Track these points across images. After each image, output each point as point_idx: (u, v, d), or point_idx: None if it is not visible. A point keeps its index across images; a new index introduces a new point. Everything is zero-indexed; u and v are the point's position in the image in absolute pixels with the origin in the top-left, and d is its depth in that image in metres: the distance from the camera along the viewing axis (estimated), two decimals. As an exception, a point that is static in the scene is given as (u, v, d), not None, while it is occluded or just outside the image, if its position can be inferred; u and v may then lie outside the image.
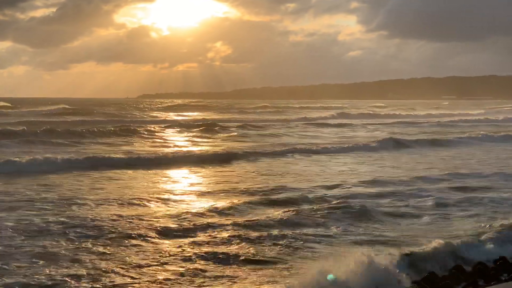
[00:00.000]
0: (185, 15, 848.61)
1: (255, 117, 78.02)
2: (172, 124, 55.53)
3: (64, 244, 12.41)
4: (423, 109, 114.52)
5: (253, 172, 25.02)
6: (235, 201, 17.31)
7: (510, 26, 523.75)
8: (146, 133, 45.63)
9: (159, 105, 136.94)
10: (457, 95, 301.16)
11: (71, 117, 69.06)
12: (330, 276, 10.09)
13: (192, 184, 21.71)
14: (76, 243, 12.50)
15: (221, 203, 16.90)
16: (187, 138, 43.93)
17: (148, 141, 40.45)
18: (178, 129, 50.20)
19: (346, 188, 20.25)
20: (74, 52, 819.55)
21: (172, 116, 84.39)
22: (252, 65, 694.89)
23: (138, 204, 16.86)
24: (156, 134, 45.82)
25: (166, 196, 18.32)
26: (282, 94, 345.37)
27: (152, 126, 52.64)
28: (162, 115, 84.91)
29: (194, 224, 14.30)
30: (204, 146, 37.48)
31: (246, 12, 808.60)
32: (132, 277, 10.57)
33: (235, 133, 48.89)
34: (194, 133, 47.61)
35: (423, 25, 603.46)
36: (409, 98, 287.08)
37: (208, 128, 51.16)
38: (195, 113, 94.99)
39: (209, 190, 19.67)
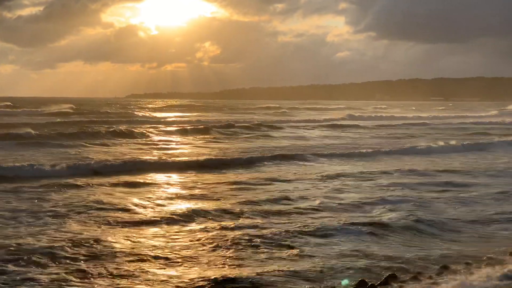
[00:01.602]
0: (173, 15, 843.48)
1: (268, 118, 75.29)
2: (191, 125, 54.17)
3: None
4: (429, 111, 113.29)
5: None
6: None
7: (498, 28, 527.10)
8: (173, 135, 43.91)
9: (162, 105, 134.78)
10: (445, 97, 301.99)
11: (81, 117, 66.49)
12: (344, 282, 9.61)
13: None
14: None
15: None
16: (217, 140, 41.60)
17: (185, 143, 38.14)
18: (202, 129, 47.76)
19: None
20: (62, 51, 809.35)
21: (180, 116, 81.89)
22: (241, 66, 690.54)
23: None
24: (181, 135, 43.84)
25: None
26: (271, 94, 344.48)
27: (173, 126, 51.09)
28: (170, 116, 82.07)
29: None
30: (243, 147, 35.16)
31: (235, 12, 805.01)
32: None
33: (268, 133, 47.50)
34: (220, 134, 45.47)
35: (411, 27, 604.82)
36: (397, 99, 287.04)
37: (229, 128, 49.52)
38: (202, 114, 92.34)
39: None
